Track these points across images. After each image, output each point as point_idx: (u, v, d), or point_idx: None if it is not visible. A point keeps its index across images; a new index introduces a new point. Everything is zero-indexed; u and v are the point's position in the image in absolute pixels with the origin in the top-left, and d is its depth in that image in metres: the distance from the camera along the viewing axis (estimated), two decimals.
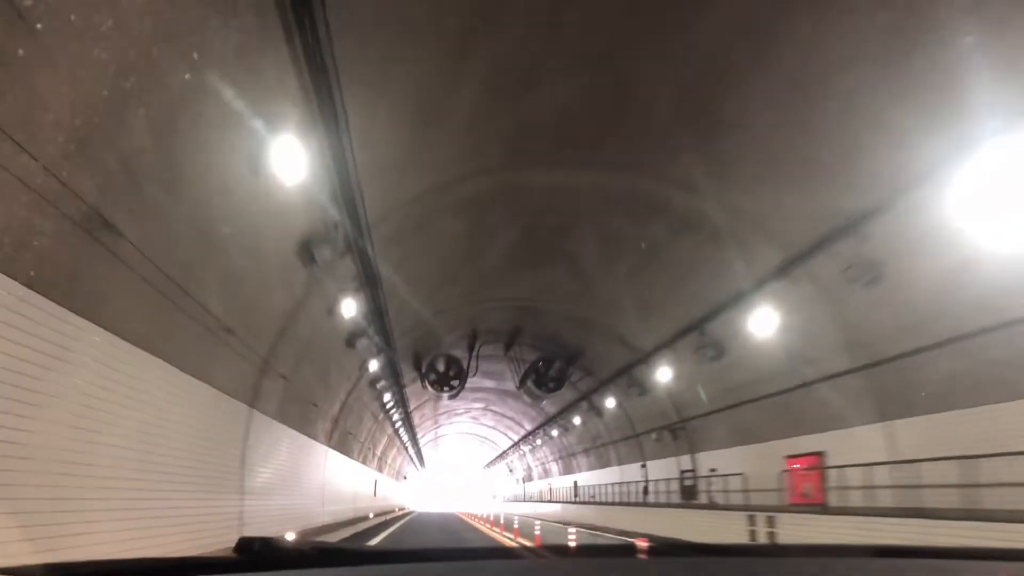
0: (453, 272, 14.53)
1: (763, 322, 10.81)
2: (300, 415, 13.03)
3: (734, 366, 13.53)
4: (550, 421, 30.82)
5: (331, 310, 10.95)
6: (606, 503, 25.08)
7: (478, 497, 67.91)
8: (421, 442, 45.35)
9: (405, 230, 11.13)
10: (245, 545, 1.11)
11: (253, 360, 9.07)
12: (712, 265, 11.86)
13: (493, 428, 44.97)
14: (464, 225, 11.86)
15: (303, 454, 14.02)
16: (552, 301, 16.66)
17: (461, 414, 40.24)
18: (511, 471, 54.70)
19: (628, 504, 22.12)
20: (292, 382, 11.28)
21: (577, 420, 25.99)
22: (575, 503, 30.80)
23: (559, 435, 30.76)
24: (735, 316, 12.01)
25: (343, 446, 19.25)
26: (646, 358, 16.52)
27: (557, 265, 14.33)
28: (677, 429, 17.94)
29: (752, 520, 12.30)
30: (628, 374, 18.48)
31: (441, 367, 20.63)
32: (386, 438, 29.14)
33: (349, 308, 10.67)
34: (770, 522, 11.70)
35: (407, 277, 13.33)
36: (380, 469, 31.86)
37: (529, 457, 43.19)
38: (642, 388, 18.53)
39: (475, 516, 34.09)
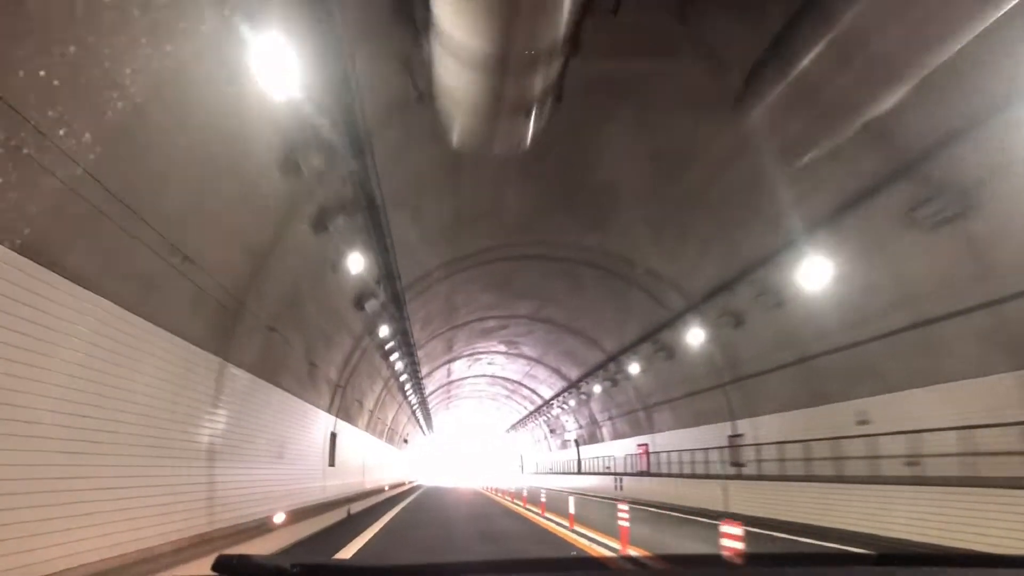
0: None
1: None
2: None
3: None
4: (682, 317, 15.31)
5: None
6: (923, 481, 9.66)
7: (499, 469, 56.55)
8: (426, 386, 30.05)
9: None
10: (224, 563, 1.03)
11: None
12: None
13: (537, 362, 29.55)
14: None
15: None
16: None
17: (492, 332, 24.66)
18: (553, 431, 39.40)
19: None
20: None
21: (807, 276, 10.41)
22: (736, 478, 15.39)
23: (709, 339, 15.17)
24: None
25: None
26: None
27: None
28: None
29: None
30: None
31: None
32: (352, 341, 13.57)
33: None
34: None
35: None
36: (350, 419, 16.48)
37: (595, 405, 27.85)
38: None
39: (511, 494, 18.88)
